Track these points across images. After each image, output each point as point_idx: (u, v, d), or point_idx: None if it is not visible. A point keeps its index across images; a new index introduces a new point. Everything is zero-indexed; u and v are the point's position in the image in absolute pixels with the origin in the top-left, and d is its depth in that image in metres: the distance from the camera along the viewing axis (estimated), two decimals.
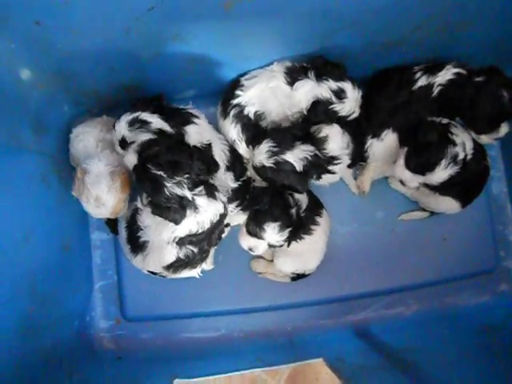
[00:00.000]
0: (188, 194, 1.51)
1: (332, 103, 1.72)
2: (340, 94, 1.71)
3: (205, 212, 1.57)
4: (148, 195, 1.57)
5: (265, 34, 1.60)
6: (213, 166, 1.63)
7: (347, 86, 1.72)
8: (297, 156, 1.66)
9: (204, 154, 1.61)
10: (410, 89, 1.84)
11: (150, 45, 1.55)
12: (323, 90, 1.70)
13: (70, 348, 1.79)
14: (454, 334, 1.95)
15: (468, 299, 2.13)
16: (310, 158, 1.67)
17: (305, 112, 1.75)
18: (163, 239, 1.62)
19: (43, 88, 1.65)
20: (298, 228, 1.74)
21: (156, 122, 1.63)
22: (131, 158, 1.54)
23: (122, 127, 1.63)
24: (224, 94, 1.86)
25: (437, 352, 1.80)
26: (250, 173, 1.86)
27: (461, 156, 1.68)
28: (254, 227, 1.69)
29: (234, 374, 1.82)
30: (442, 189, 1.85)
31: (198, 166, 1.53)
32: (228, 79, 1.87)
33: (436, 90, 1.82)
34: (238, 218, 1.89)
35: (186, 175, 1.49)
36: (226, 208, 1.65)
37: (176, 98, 1.95)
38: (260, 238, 1.70)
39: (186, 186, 1.49)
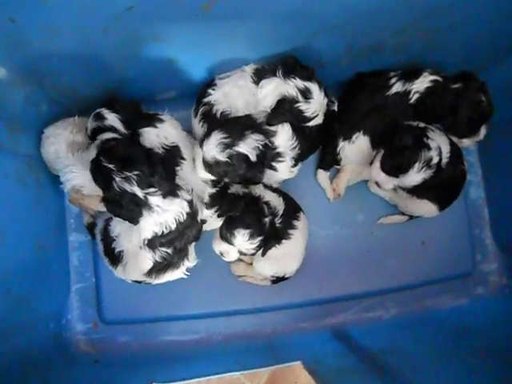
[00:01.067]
0: (138, 192, 1.50)
1: (298, 102, 1.71)
2: (306, 94, 1.71)
3: (164, 212, 1.56)
4: (102, 190, 1.57)
5: (243, 35, 1.60)
6: (171, 173, 1.64)
7: (314, 87, 1.73)
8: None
9: (167, 156, 1.64)
10: (384, 94, 1.88)
11: (129, 45, 1.54)
12: (290, 87, 1.70)
13: (45, 351, 1.76)
14: (431, 337, 1.97)
15: (446, 302, 2.16)
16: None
17: (269, 110, 1.73)
18: (135, 244, 1.62)
19: (20, 87, 1.63)
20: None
21: (111, 119, 1.70)
22: (91, 153, 1.58)
23: (90, 121, 1.73)
24: (198, 93, 1.88)
25: (414, 355, 1.81)
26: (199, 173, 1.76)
27: (435, 160, 1.71)
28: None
29: (213, 378, 1.80)
30: (419, 192, 1.90)
31: (157, 168, 1.55)
32: (206, 79, 1.87)
33: (414, 97, 1.86)
34: (215, 223, 1.88)
35: (136, 172, 1.48)
36: (193, 206, 1.64)
37: (157, 99, 1.96)
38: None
39: (135, 182, 1.48)
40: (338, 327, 2.05)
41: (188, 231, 1.67)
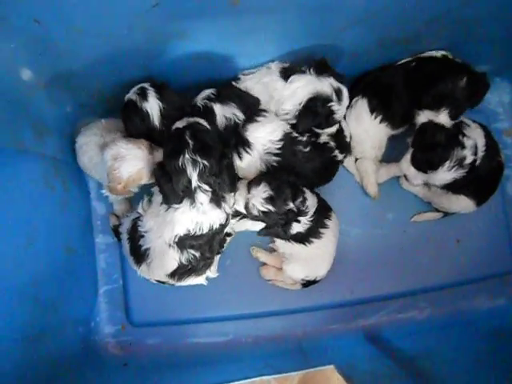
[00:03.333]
0: (194, 181, 1.47)
1: (331, 101, 1.65)
2: (339, 94, 1.66)
3: (204, 214, 1.53)
4: (164, 154, 1.54)
5: (271, 29, 1.56)
6: (234, 183, 1.61)
7: (345, 91, 1.68)
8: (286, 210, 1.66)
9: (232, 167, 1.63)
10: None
11: (155, 43, 1.51)
12: (325, 85, 1.64)
13: (74, 355, 1.75)
14: (468, 339, 1.89)
15: (482, 303, 2.07)
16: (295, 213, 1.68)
17: (298, 108, 1.67)
18: (165, 241, 1.58)
19: (45, 88, 1.61)
20: (283, 223, 1.67)
21: (151, 104, 1.67)
22: (178, 124, 1.54)
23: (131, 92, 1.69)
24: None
25: (450, 358, 1.74)
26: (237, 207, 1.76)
27: (468, 160, 1.65)
28: (253, 181, 1.67)
29: (243, 382, 1.77)
30: (455, 187, 1.81)
31: (224, 177, 1.53)
32: (232, 77, 1.81)
33: (414, 63, 1.79)
34: (244, 224, 1.85)
35: (206, 163, 1.46)
36: (227, 220, 1.62)
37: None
38: (248, 191, 1.66)
39: (198, 170, 1.45)
40: (370, 329, 1.99)
41: (215, 240, 1.65)
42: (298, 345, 1.94)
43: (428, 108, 1.72)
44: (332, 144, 1.79)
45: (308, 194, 1.73)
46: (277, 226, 1.68)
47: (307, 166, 1.77)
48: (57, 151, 1.79)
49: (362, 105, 1.84)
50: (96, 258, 1.98)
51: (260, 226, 1.77)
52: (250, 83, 1.77)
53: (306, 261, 1.83)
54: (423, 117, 1.75)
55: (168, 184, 1.49)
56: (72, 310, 1.78)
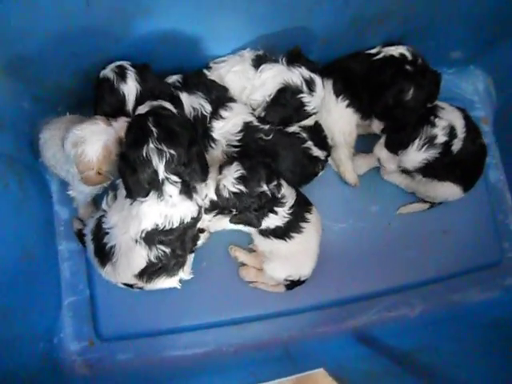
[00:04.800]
0: (161, 172, 1.34)
1: (301, 92, 1.59)
2: (311, 85, 1.60)
3: (173, 206, 1.40)
4: (126, 144, 1.40)
5: (239, 7, 1.47)
6: (205, 171, 1.47)
7: (318, 81, 1.61)
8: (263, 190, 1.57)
9: (202, 154, 1.48)
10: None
11: (116, 21, 1.40)
12: (294, 75, 1.58)
13: (34, 375, 1.54)
14: (464, 333, 1.79)
15: (474, 295, 1.99)
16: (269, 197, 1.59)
17: (267, 99, 1.61)
18: (131, 237, 1.44)
19: None
20: (256, 207, 1.57)
21: (130, 87, 1.56)
22: (141, 109, 1.43)
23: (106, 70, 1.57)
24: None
25: (450, 352, 1.63)
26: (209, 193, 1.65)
27: (440, 139, 1.59)
28: (225, 163, 1.59)
29: None
30: (439, 174, 1.76)
31: (195, 166, 1.40)
32: (203, 65, 1.72)
33: (377, 57, 1.75)
34: (219, 223, 1.73)
35: (173, 152, 1.33)
36: (200, 213, 1.50)
37: None
38: (220, 172, 1.57)
39: (163, 161, 1.32)
40: (361, 329, 1.86)
41: (187, 236, 1.52)
42: (285, 350, 1.80)
43: (379, 118, 1.74)
44: (304, 135, 1.71)
45: (285, 185, 1.63)
46: (249, 210, 1.56)
47: (281, 161, 1.69)
48: (12, 149, 1.64)
49: (326, 86, 1.76)
50: (59, 266, 1.80)
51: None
52: (223, 72, 1.69)
53: (287, 258, 1.71)
54: (375, 126, 1.79)
55: (132, 176, 1.36)
56: (30, 323, 1.59)
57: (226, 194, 1.54)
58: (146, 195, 1.38)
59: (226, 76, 1.67)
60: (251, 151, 1.67)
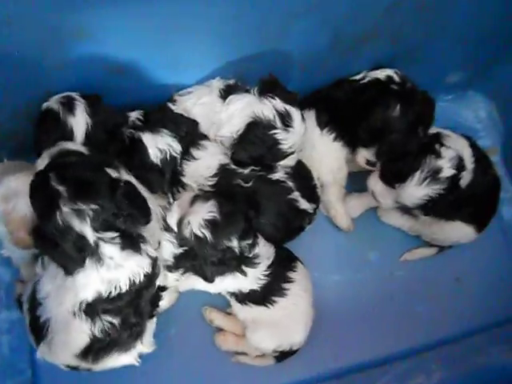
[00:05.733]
0: (89, 234, 1.05)
1: (274, 127, 1.35)
2: (286, 120, 1.36)
3: (118, 268, 1.11)
4: (37, 216, 1.12)
5: (201, 27, 1.26)
6: (145, 210, 1.19)
7: (296, 114, 1.37)
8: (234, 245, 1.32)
9: (133, 192, 1.18)
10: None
11: (50, 45, 1.17)
12: (266, 108, 1.35)
13: None
14: None
15: (499, 356, 1.64)
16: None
17: (235, 136, 1.38)
18: (67, 310, 1.14)
19: None
20: (214, 262, 1.30)
21: (78, 119, 1.32)
22: (40, 163, 1.15)
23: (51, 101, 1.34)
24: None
25: None
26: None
27: (446, 173, 1.34)
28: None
29: None
30: (447, 212, 1.52)
31: (129, 210, 1.12)
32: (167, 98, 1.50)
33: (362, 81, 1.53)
34: (189, 281, 1.44)
35: (94, 206, 1.05)
36: (156, 267, 1.21)
37: None
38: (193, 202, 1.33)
39: (87, 221, 1.05)
40: None
41: (143, 299, 1.21)
42: None
43: (364, 146, 1.52)
44: (290, 184, 1.46)
45: (261, 241, 1.39)
46: (205, 262, 1.29)
47: (261, 213, 1.44)
48: None
49: (308, 117, 1.54)
50: None
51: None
52: (189, 105, 1.47)
53: (274, 326, 1.43)
54: (360, 156, 1.55)
55: (56, 252, 1.09)
56: None
57: (186, 232, 1.28)
58: (83, 263, 1.09)
59: (192, 110, 1.46)
60: (238, 195, 1.42)
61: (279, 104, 1.35)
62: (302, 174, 1.53)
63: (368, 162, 1.53)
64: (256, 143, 1.37)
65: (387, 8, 1.34)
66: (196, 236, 1.26)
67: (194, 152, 1.42)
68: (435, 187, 1.34)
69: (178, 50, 1.33)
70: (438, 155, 1.35)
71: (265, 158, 1.40)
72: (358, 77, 1.54)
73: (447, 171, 1.34)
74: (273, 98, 1.35)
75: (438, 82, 1.80)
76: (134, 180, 1.30)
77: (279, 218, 1.47)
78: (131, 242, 1.13)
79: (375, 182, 1.47)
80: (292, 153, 1.42)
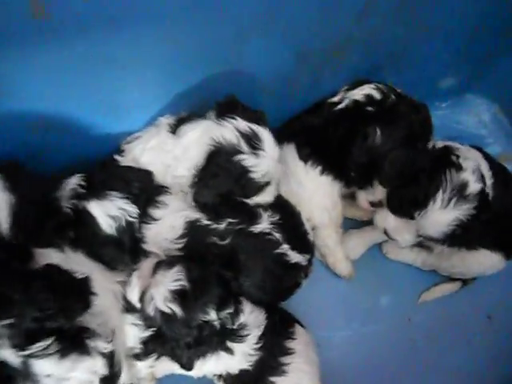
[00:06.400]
0: (12, 357, 0.80)
1: (240, 152, 1.10)
2: (253, 141, 1.10)
3: (63, 381, 0.85)
4: None
5: (135, 60, 1.03)
6: (78, 301, 0.93)
7: (265, 134, 1.12)
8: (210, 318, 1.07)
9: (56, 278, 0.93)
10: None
11: None
12: (226, 130, 1.10)
13: None
14: None
15: None
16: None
17: (193, 172, 1.13)
18: None
19: None
20: (190, 344, 1.04)
21: None
22: None
23: None
24: None
25: None
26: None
27: (473, 187, 1.09)
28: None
29: None
30: (467, 240, 1.23)
31: (51, 305, 0.86)
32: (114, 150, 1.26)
33: (342, 104, 1.29)
34: (165, 365, 1.19)
35: (9, 320, 0.80)
36: (113, 364, 0.96)
37: None
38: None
39: (6, 340, 0.79)
40: None
41: None
42: None
43: (360, 187, 1.32)
44: (276, 236, 1.20)
45: (247, 307, 1.14)
46: (177, 345, 1.03)
47: (245, 274, 1.19)
48: None
49: (289, 151, 1.32)
50: None
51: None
52: (138, 152, 1.23)
53: None
54: (361, 200, 1.34)
55: None
56: None
57: (150, 310, 1.02)
58: None
59: (141, 158, 1.21)
60: (211, 255, 1.16)
61: (242, 124, 1.10)
62: (289, 220, 1.26)
63: (372, 204, 1.29)
64: (220, 175, 1.11)
65: (358, 14, 1.12)
66: (162, 313, 1.01)
67: (153, 211, 1.16)
68: (465, 207, 1.08)
69: (113, 91, 1.10)
70: (459, 167, 1.10)
71: (233, 193, 1.15)
72: (335, 99, 1.31)
73: (474, 186, 1.09)
74: (233, 118, 1.11)
75: (431, 89, 1.59)
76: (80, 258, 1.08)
77: (267, 278, 1.20)
78: (72, 342, 0.88)
79: (385, 217, 1.22)
80: (267, 183, 1.16)
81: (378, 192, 1.27)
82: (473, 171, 1.10)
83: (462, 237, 1.13)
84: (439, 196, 1.08)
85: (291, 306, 1.30)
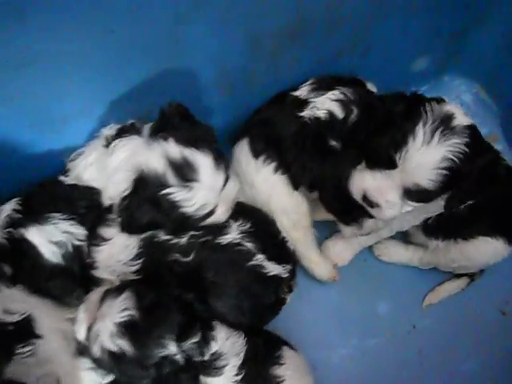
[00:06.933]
0: None
1: (166, 185, 0.94)
2: (184, 171, 0.94)
3: None
4: None
5: (61, 61, 0.90)
6: None
7: (203, 161, 0.95)
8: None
9: None
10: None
11: None
12: (153, 156, 0.94)
13: None
14: None
15: None
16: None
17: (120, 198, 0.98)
18: None
19: None
20: None
21: None
22: None
23: None
24: None
25: None
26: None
27: (462, 119, 0.94)
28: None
29: None
30: (465, 229, 1.16)
31: None
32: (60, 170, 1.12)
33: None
34: None
35: None
36: None
37: None
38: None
39: None
40: None
41: None
42: None
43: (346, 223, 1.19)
44: (248, 245, 1.05)
45: (220, 332, 0.97)
46: None
47: (214, 295, 1.04)
48: None
49: (242, 148, 1.18)
50: None
51: None
52: (81, 169, 1.08)
53: None
54: (346, 233, 1.22)
55: None
56: None
57: (96, 349, 0.86)
58: None
59: (84, 174, 1.07)
60: (165, 273, 1.01)
61: (173, 149, 0.94)
62: (262, 228, 1.11)
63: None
64: (145, 209, 0.96)
65: None
66: (109, 352, 0.84)
67: (103, 231, 1.02)
68: (453, 141, 0.91)
69: (42, 100, 0.96)
70: (441, 100, 0.96)
71: (162, 225, 1.01)
72: (298, 93, 1.16)
73: (462, 118, 0.94)
74: (165, 139, 0.95)
75: (404, 73, 1.46)
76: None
77: (242, 296, 1.03)
78: None
79: (363, 177, 1.02)
80: (209, 213, 1.00)
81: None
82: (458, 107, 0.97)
83: (459, 191, 0.96)
84: (419, 129, 0.91)
85: (278, 325, 1.14)
